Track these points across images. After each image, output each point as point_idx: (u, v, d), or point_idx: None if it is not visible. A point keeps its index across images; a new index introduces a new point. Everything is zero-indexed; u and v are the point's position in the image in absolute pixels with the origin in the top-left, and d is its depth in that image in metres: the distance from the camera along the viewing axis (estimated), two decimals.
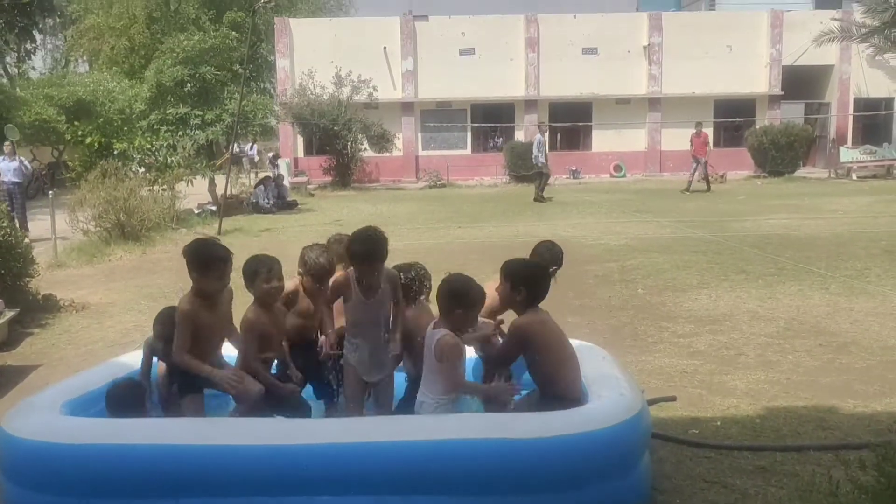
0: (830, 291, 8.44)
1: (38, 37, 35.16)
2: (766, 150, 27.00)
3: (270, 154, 28.84)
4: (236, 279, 4.05)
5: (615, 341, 6.44)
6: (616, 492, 3.46)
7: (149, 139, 18.78)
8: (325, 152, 27.07)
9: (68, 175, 21.37)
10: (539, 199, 20.00)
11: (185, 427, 3.64)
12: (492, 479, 3.29)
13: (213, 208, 17.94)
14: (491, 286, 4.18)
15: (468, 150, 30.84)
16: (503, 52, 29.92)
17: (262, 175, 23.58)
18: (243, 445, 3.35)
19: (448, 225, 15.64)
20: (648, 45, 30.05)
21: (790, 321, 7.24)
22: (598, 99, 30.19)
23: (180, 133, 18.90)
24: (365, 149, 27.02)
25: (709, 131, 23.72)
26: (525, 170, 27.00)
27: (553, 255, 4.87)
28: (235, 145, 19.76)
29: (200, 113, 19.05)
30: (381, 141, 26.55)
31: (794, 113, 30.45)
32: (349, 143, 26.35)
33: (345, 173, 26.72)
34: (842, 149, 28.08)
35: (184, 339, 3.80)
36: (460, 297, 3.77)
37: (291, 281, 4.37)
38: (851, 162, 26.92)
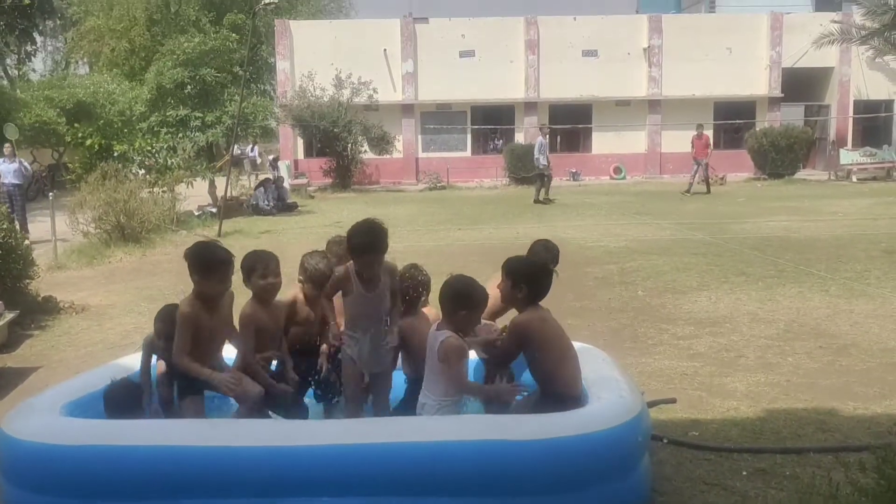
0: (830, 293, 8.44)
1: (39, 39, 35.17)
2: (766, 152, 27.00)
3: (271, 157, 28.87)
4: (236, 281, 4.05)
5: (615, 343, 6.43)
6: (616, 494, 3.45)
7: (149, 141, 18.80)
8: (325, 154, 27.08)
9: (68, 177, 21.42)
10: (538, 201, 20.02)
11: (185, 428, 3.64)
12: (491, 480, 3.29)
13: (214, 210, 17.94)
14: (492, 285, 4.18)
15: (468, 153, 30.84)
16: (503, 54, 29.93)
17: (262, 177, 23.59)
18: (243, 447, 3.35)
19: (448, 227, 15.64)
20: (648, 47, 30.07)
21: (790, 323, 7.25)
22: (597, 101, 30.20)
23: (180, 135, 18.91)
24: (365, 151, 27.03)
25: (709, 133, 23.73)
26: (525, 172, 27.00)
27: (550, 253, 4.89)
28: (237, 147, 19.79)
29: (200, 115, 19.06)
30: (382, 143, 26.56)
31: (794, 115, 30.46)
32: (349, 145, 26.36)
33: (345, 175, 26.72)
34: (842, 151, 28.09)
35: (184, 342, 3.79)
36: (464, 298, 3.76)
37: (291, 291, 4.35)
38: (851, 164, 26.92)
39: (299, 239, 14.08)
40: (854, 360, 6.09)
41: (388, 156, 27.61)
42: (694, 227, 14.47)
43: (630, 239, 13.04)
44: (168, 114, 19.18)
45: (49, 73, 43.69)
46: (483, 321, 4.15)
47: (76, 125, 27.58)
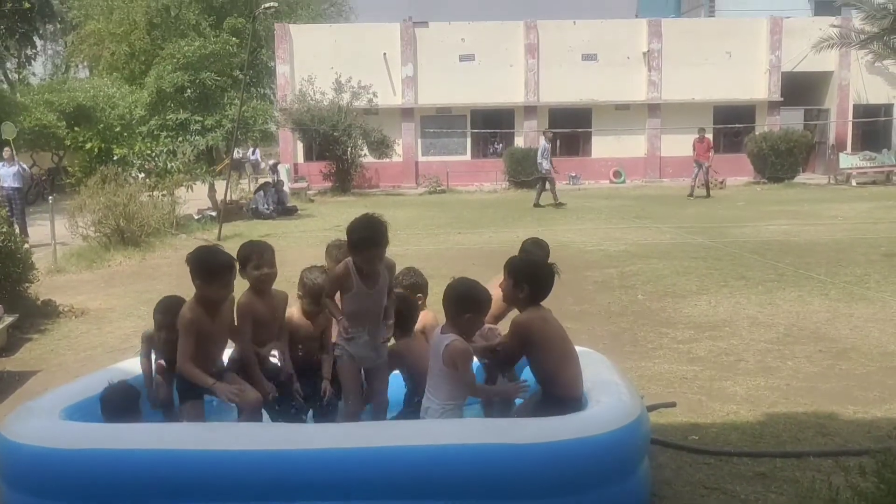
0: (830, 297, 8.44)
1: (39, 42, 35.26)
2: (765, 156, 27.01)
3: (271, 162, 28.89)
4: (237, 284, 4.04)
5: (615, 347, 6.44)
6: (615, 497, 3.45)
7: (149, 145, 18.83)
8: (325, 158, 27.09)
9: (68, 180, 21.43)
10: (538, 205, 19.99)
11: (184, 432, 3.64)
12: (491, 484, 3.28)
13: (213, 214, 17.94)
14: (494, 285, 4.18)
15: (468, 156, 30.85)
16: (503, 58, 29.96)
17: (262, 180, 23.60)
18: (242, 450, 3.35)
19: (448, 231, 15.65)
20: (648, 51, 30.10)
21: (790, 327, 7.24)
22: (597, 105, 30.22)
23: (180, 138, 18.95)
24: (365, 154, 27.03)
25: (708, 137, 23.75)
26: (525, 176, 27.04)
27: (542, 250, 4.92)
28: (238, 150, 19.81)
29: (200, 118, 19.10)
30: (381, 147, 26.57)
31: (793, 119, 30.48)
32: (349, 149, 26.37)
33: (344, 179, 26.73)
34: (841, 155, 28.11)
35: (188, 347, 3.77)
36: (468, 301, 3.76)
37: (290, 309, 4.32)
38: (851, 168, 26.94)
39: (299, 242, 14.09)
40: (854, 364, 6.09)
41: (387, 159, 27.62)
42: (694, 230, 14.48)
43: (630, 243, 13.05)
44: (168, 117, 19.23)
45: (49, 76, 43.72)
46: (486, 325, 4.15)
47: (76, 129, 27.59)
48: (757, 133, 28.76)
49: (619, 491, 3.47)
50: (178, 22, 35.43)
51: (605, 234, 14.43)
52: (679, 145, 28.54)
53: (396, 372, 4.37)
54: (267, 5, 20.40)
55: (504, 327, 4.25)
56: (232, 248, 4.19)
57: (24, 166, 17.09)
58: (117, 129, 27.28)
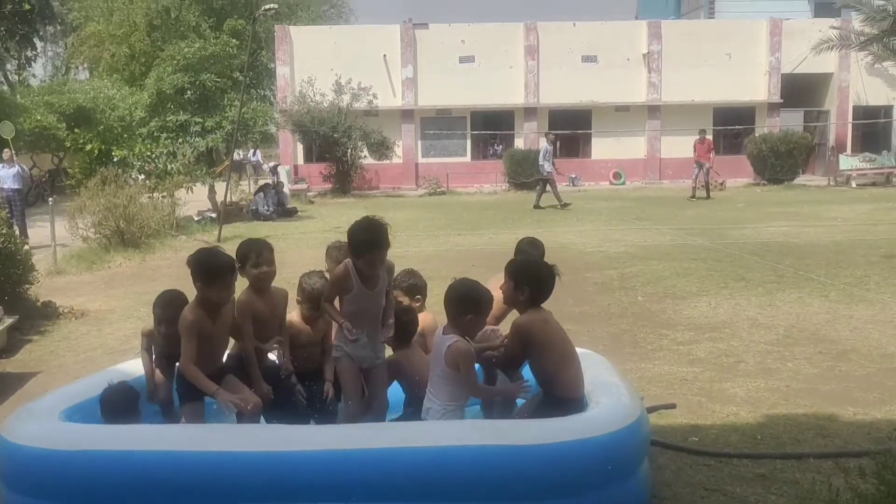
0: (830, 299, 8.44)
1: (39, 44, 35.30)
2: (765, 157, 27.02)
3: (271, 164, 28.92)
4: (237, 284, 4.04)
5: (615, 349, 6.44)
6: (615, 498, 3.45)
7: (149, 146, 18.81)
8: (325, 159, 27.09)
9: (68, 182, 21.40)
10: (538, 206, 19.99)
11: (184, 433, 3.64)
12: (491, 485, 3.28)
13: (213, 215, 17.95)
14: (494, 284, 4.18)
15: (468, 158, 30.86)
16: (503, 59, 29.97)
17: (262, 182, 23.61)
18: (242, 452, 3.35)
19: (448, 232, 15.65)
20: (648, 52, 30.11)
21: (790, 329, 7.25)
22: (597, 106, 30.23)
23: (180, 140, 18.94)
24: (365, 156, 27.04)
25: (709, 139, 23.77)
26: (525, 177, 27.05)
27: (537, 249, 4.93)
28: (239, 152, 19.81)
29: (200, 120, 19.09)
30: (381, 148, 26.57)
31: (793, 121, 30.48)
32: (349, 151, 26.37)
33: (344, 180, 26.73)
34: (841, 156, 28.12)
35: (191, 350, 3.76)
36: (470, 302, 3.76)
37: (290, 314, 4.32)
38: (851, 170, 26.94)
39: (299, 244, 14.10)
40: (854, 366, 6.09)
41: (387, 161, 27.63)
42: (693, 232, 14.48)
43: (630, 244, 13.05)
44: (168, 119, 19.22)
45: (49, 78, 43.73)
46: (487, 326, 4.15)
47: (76, 130, 27.61)
48: (757, 134, 28.76)
49: (619, 492, 3.47)
50: (179, 24, 35.44)
51: (605, 235, 14.43)
52: (679, 147, 28.56)
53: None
54: (267, 7, 20.41)
55: (505, 328, 4.26)
56: (232, 249, 4.19)
57: (24, 167, 17.08)
58: (117, 130, 27.28)
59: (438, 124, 30.49)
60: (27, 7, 24.59)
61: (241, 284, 4.04)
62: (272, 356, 4.23)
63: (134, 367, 4.54)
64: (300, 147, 29.47)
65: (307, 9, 41.93)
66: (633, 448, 3.59)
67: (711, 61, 29.66)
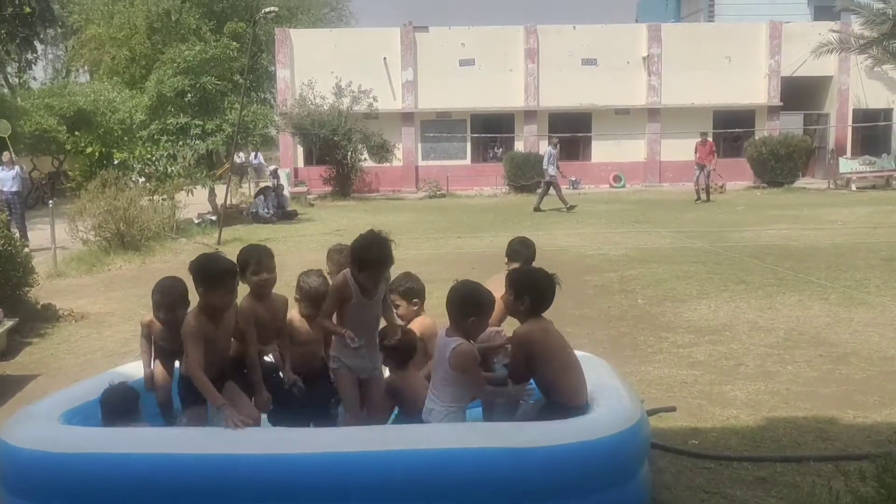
0: (830, 302, 8.44)
1: (40, 47, 35.31)
2: (765, 160, 27.03)
3: (271, 167, 28.93)
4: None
5: (615, 351, 6.44)
6: (615, 501, 3.46)
7: (149, 149, 18.81)
8: (325, 162, 27.09)
9: (68, 185, 21.42)
10: (538, 209, 20.01)
11: (183, 435, 3.63)
12: (492, 487, 3.28)
13: (213, 218, 17.95)
14: (494, 284, 4.18)
15: (468, 161, 30.87)
16: (503, 62, 29.99)
17: (262, 185, 23.62)
18: (242, 454, 3.35)
19: (447, 235, 15.65)
20: (648, 55, 30.13)
21: (790, 332, 7.24)
22: (597, 109, 30.24)
23: (180, 143, 18.94)
24: (365, 159, 27.05)
25: (711, 141, 23.79)
26: (525, 180, 27.06)
27: (529, 249, 4.95)
28: (240, 155, 19.78)
29: (201, 123, 19.09)
30: (381, 151, 26.58)
31: (793, 124, 30.49)
32: (349, 154, 26.38)
33: (345, 183, 26.74)
34: (841, 159, 28.10)
35: (196, 355, 3.72)
36: (472, 304, 3.76)
37: (290, 312, 4.32)
38: (851, 172, 26.93)
39: (299, 247, 14.10)
40: (854, 369, 6.09)
41: (387, 164, 27.62)
42: (693, 235, 14.48)
43: (630, 247, 13.05)
44: (168, 122, 19.21)
45: (49, 81, 43.75)
46: (490, 328, 4.15)
47: (76, 133, 27.60)
48: (756, 138, 28.76)
49: (619, 495, 3.47)
50: (179, 26, 35.47)
51: (605, 238, 14.43)
52: (679, 150, 28.58)
53: None
54: (267, 10, 20.44)
55: (506, 329, 4.26)
56: (231, 251, 4.19)
57: (23, 167, 17.07)
58: (118, 133, 27.27)
59: (438, 127, 30.51)
60: (28, 10, 24.61)
61: (242, 290, 4.04)
62: (269, 358, 4.24)
63: (134, 369, 4.55)
64: (300, 150, 29.49)
65: (307, 12, 41.95)
66: (633, 451, 3.59)
67: (711, 64, 29.68)
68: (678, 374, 6.02)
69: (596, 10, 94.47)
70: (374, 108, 26.92)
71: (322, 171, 27.25)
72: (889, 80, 29.59)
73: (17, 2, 23.89)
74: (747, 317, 7.85)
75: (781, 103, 30.40)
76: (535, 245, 5.11)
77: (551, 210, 19.67)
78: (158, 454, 3.37)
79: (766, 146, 27.16)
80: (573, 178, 28.59)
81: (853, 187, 26.06)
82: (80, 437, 3.58)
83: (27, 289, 8.60)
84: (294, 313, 4.33)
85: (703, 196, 22.25)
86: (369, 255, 3.87)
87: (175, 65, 19.79)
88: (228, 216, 17.14)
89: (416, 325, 4.53)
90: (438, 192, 27.29)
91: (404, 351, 4.25)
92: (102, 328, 8.18)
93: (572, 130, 29.92)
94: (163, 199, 16.06)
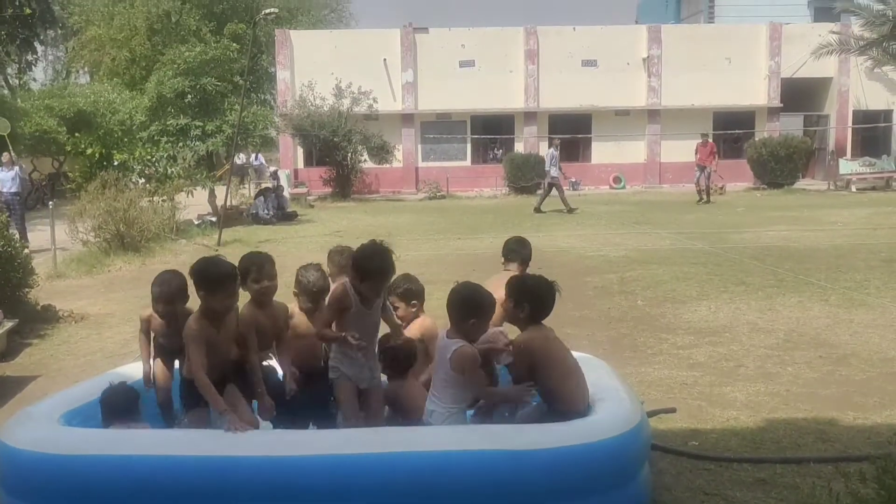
0: (830, 303, 8.44)
1: (40, 48, 35.25)
2: (765, 161, 27.05)
3: (271, 169, 28.94)
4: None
5: (615, 353, 6.44)
6: (616, 503, 3.45)
7: (149, 150, 18.82)
8: (325, 163, 27.11)
9: (68, 186, 21.43)
10: (539, 210, 20.01)
11: (185, 438, 3.63)
12: (492, 490, 3.28)
13: (213, 219, 17.95)
14: (493, 284, 4.18)
15: (468, 162, 30.88)
16: (503, 63, 30.01)
17: (263, 186, 23.62)
18: (242, 456, 3.34)
19: (447, 236, 15.65)
20: (648, 57, 30.14)
21: (790, 333, 7.24)
22: (597, 111, 30.26)
23: (181, 144, 18.94)
24: (365, 160, 27.07)
25: (712, 142, 23.81)
26: (525, 181, 27.07)
27: (525, 248, 4.95)
28: (242, 156, 19.76)
29: (201, 124, 19.08)
30: (381, 152, 26.60)
31: (793, 125, 30.51)
32: (349, 155, 26.40)
33: (345, 184, 26.75)
34: (841, 161, 28.12)
35: (199, 358, 3.71)
36: (473, 306, 3.76)
37: (290, 306, 4.30)
38: (850, 174, 26.94)
39: (299, 248, 14.09)
40: (854, 370, 6.09)
41: (387, 165, 27.64)
42: (693, 236, 14.48)
43: (630, 248, 13.05)
44: (168, 123, 19.21)
45: (50, 82, 43.74)
46: (494, 328, 4.15)
47: (76, 134, 27.61)
48: (756, 139, 28.78)
49: (619, 497, 3.47)
50: (179, 28, 35.48)
51: (605, 239, 14.43)
52: (679, 151, 28.60)
53: None
54: (267, 11, 20.46)
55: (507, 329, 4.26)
56: (231, 252, 4.20)
57: (22, 166, 17.05)
58: (118, 134, 27.28)
59: (438, 128, 30.52)
60: (28, 11, 24.59)
61: (242, 297, 4.04)
62: (268, 361, 4.25)
63: (134, 370, 4.54)
64: (300, 151, 29.51)
65: (307, 13, 41.95)
66: (634, 453, 3.59)
67: (711, 66, 29.69)
68: (678, 375, 6.02)
69: (596, 11, 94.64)
70: (374, 110, 26.94)
71: (322, 173, 27.27)
72: (889, 82, 29.62)
73: (17, 3, 23.87)
74: (747, 318, 7.85)
75: (781, 104, 30.42)
76: (532, 245, 5.10)
77: (552, 211, 19.68)
78: (159, 456, 3.36)
79: (766, 147, 27.18)
80: (573, 180, 28.58)
81: (853, 188, 26.07)
82: (80, 438, 3.58)
83: (27, 290, 8.60)
84: (292, 307, 4.34)
85: (705, 197, 22.27)
86: (371, 265, 3.87)
87: (175, 66, 19.79)
88: (228, 217, 17.13)
89: (417, 326, 4.52)
90: (438, 194, 27.29)
91: (403, 359, 4.25)
92: (102, 329, 8.18)
93: (572, 132, 29.92)
94: (163, 201, 16.06)
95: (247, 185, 26.83)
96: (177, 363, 4.27)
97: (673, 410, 5.11)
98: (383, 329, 4.19)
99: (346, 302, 3.93)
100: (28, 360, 7.20)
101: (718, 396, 5.51)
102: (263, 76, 39.15)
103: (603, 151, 30.59)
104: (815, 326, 7.45)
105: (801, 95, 30.52)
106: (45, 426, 3.69)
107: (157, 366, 4.40)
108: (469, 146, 30.94)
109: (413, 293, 4.60)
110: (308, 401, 4.14)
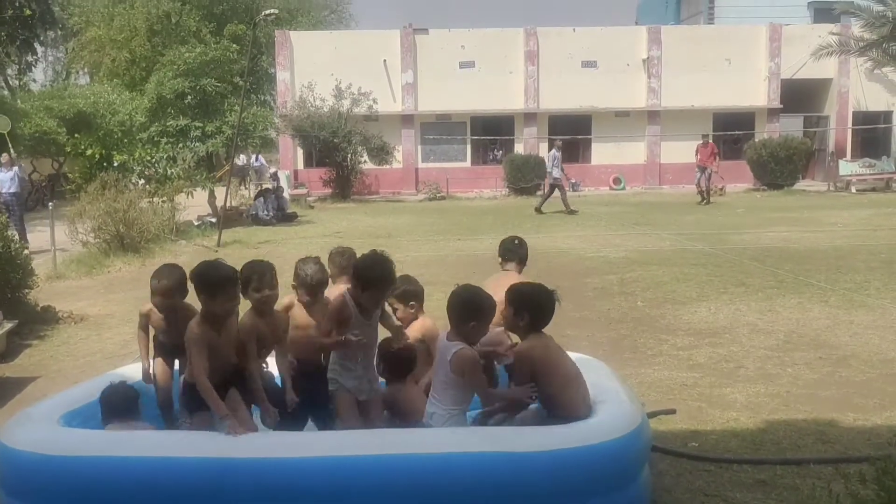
0: (830, 304, 8.44)
1: (40, 49, 35.22)
2: (765, 162, 27.05)
3: (271, 170, 28.93)
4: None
5: (614, 354, 6.44)
6: None
7: (149, 151, 18.82)
8: (325, 164, 27.11)
9: (68, 187, 21.42)
10: (539, 210, 20.02)
11: (184, 440, 3.63)
12: (492, 492, 3.28)
13: (213, 220, 17.95)
14: (492, 284, 4.17)
15: (468, 163, 30.88)
16: (503, 65, 30.01)
17: (263, 187, 23.62)
18: (242, 458, 3.34)
19: (447, 237, 15.65)
20: (647, 58, 30.15)
21: (790, 334, 7.24)
22: (597, 112, 30.26)
23: (180, 145, 18.94)
24: (365, 161, 27.07)
25: (712, 143, 23.81)
26: (524, 182, 27.07)
27: (522, 249, 4.95)
28: (242, 157, 19.75)
29: (201, 125, 19.09)
30: (381, 153, 26.60)
31: (793, 126, 30.51)
32: (349, 156, 26.40)
33: (344, 185, 26.75)
34: (841, 162, 28.13)
35: (201, 362, 3.70)
36: (473, 309, 3.77)
37: (288, 297, 4.32)
38: (850, 175, 26.96)
39: (299, 249, 14.06)
40: (854, 371, 6.09)
41: (387, 166, 27.64)
42: (693, 237, 14.48)
43: (629, 249, 13.04)
44: (168, 124, 19.21)
45: (50, 83, 43.76)
46: (496, 328, 4.14)
47: (76, 135, 27.62)
48: (756, 140, 28.78)
49: (620, 498, 3.47)
50: (179, 29, 35.49)
51: (605, 240, 14.43)
52: (679, 152, 28.60)
53: None
54: (267, 12, 20.48)
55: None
56: (231, 253, 4.20)
57: (22, 166, 17.05)
58: (117, 135, 27.29)
59: (438, 129, 30.53)
60: (28, 12, 24.59)
61: (243, 305, 4.04)
62: (267, 366, 4.25)
63: (133, 371, 4.54)
64: (300, 152, 29.51)
65: (307, 14, 41.95)
66: (634, 455, 3.58)
67: (711, 67, 29.70)
68: (678, 376, 6.02)
69: (596, 12, 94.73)
70: (373, 111, 26.95)
71: (322, 174, 27.27)
72: (889, 83, 29.62)
73: (17, 4, 23.88)
74: (747, 319, 7.85)
75: (781, 106, 30.42)
76: (531, 246, 5.11)
77: (552, 212, 19.68)
78: (158, 457, 3.36)
79: (765, 148, 27.18)
80: (573, 181, 28.58)
81: (853, 189, 26.07)
82: (79, 439, 3.58)
83: (27, 291, 8.60)
84: (293, 298, 4.33)
85: (706, 198, 22.27)
86: (372, 275, 3.86)
87: (175, 67, 19.80)
88: (228, 218, 17.13)
89: (417, 327, 4.51)
90: (438, 195, 27.30)
91: (403, 364, 4.25)
92: (102, 330, 8.18)
93: (572, 133, 29.91)
94: (162, 202, 16.06)
95: (247, 187, 26.84)
96: (177, 363, 4.27)
97: (673, 412, 5.11)
98: (383, 333, 4.19)
99: (345, 313, 3.92)
100: (28, 361, 7.19)
101: (718, 398, 5.50)
102: (263, 77, 39.15)
103: (603, 152, 30.60)
104: (815, 328, 7.45)
105: (800, 96, 30.53)
106: (44, 427, 3.69)
107: (158, 365, 4.40)
108: (469, 147, 30.95)
109: (411, 294, 4.59)
110: (308, 400, 4.14)
